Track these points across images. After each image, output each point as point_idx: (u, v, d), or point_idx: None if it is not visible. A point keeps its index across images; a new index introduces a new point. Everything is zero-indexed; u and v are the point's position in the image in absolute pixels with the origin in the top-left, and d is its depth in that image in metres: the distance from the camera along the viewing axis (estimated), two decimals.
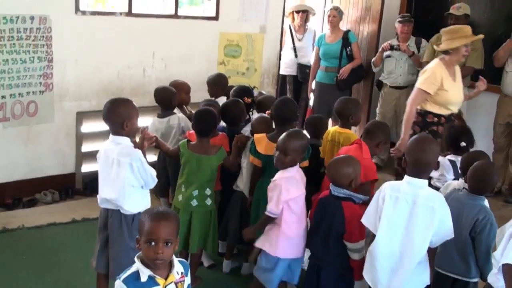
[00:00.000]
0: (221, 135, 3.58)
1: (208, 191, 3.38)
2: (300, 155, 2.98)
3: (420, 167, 2.61)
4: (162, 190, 4.28)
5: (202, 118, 3.40)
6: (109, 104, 2.87)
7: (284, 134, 3.01)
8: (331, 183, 2.88)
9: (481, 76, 4.54)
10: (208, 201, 3.39)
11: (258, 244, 3.04)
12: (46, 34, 4.46)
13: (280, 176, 2.95)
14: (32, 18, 4.35)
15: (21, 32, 4.32)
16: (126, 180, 2.77)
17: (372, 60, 6.02)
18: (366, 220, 2.72)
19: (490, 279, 2.42)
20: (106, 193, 2.85)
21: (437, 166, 2.73)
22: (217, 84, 4.45)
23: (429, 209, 2.54)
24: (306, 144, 3.08)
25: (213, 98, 4.35)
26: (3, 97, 4.34)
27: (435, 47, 4.50)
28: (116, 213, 2.87)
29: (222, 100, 4.33)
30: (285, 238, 2.91)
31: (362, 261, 2.79)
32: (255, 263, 3.18)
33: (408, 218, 2.58)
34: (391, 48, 5.80)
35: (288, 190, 2.87)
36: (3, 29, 4.21)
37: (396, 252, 2.61)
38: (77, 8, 4.58)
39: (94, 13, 4.75)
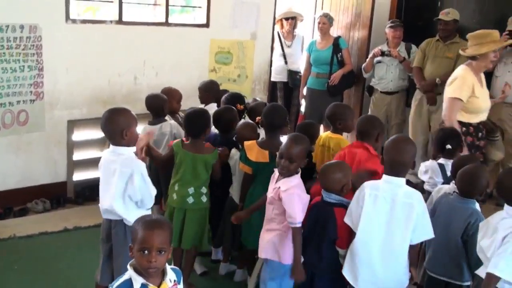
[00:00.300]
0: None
1: (203, 189, 3.41)
2: (304, 160, 2.94)
3: (395, 167, 2.65)
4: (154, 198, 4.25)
5: (193, 119, 3.43)
6: (107, 114, 2.82)
7: (287, 140, 2.95)
8: (322, 189, 2.88)
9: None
10: (204, 199, 3.42)
11: (264, 255, 2.96)
12: (37, 42, 4.45)
13: (288, 185, 2.83)
14: (22, 27, 4.34)
15: (11, 41, 4.31)
16: (123, 190, 2.74)
17: (363, 65, 6.05)
18: (348, 218, 2.75)
19: (482, 273, 2.44)
20: (107, 203, 2.82)
21: (413, 165, 2.74)
22: (208, 90, 4.46)
23: (407, 206, 2.58)
24: (308, 148, 3.07)
25: (203, 105, 4.35)
26: None
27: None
28: (119, 223, 2.83)
29: (212, 106, 4.33)
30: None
31: None
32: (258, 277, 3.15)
33: (388, 216, 2.62)
34: (382, 54, 5.83)
35: (301, 196, 2.84)
36: None
37: (377, 250, 2.64)
38: (67, 17, 4.57)
39: (84, 21, 4.75)
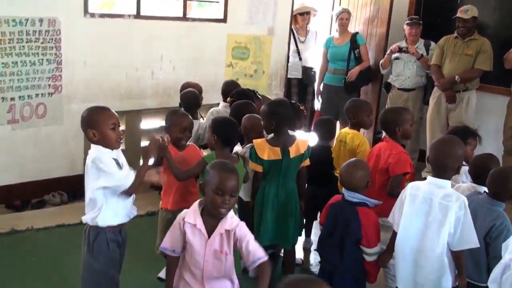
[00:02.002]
0: (191, 146, 3.35)
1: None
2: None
3: (440, 168, 2.64)
4: None
5: (229, 125, 3.21)
6: (84, 112, 2.71)
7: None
8: (344, 188, 2.85)
9: None
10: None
11: None
12: (55, 36, 4.48)
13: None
14: (41, 20, 4.37)
15: (30, 35, 4.34)
16: (89, 186, 2.61)
17: (381, 62, 6.01)
18: (391, 217, 2.78)
19: None
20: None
21: (458, 170, 2.71)
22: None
23: (444, 207, 2.56)
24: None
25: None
26: (12, 99, 4.36)
27: None
28: (87, 225, 2.71)
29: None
30: None
31: (375, 264, 2.83)
32: None
33: (424, 216, 2.62)
34: (400, 50, 5.78)
35: None
36: (12, 31, 4.23)
37: (414, 250, 2.66)
38: (86, 11, 4.59)
39: (102, 16, 4.77)
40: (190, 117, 3.34)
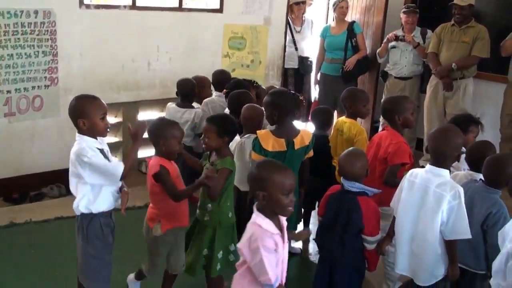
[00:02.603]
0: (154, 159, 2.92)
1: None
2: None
3: (438, 157, 2.65)
4: None
5: (231, 122, 3.09)
6: (72, 101, 2.69)
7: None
8: (342, 178, 2.85)
9: None
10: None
11: None
12: (51, 28, 4.45)
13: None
14: (36, 12, 4.34)
15: (26, 27, 4.31)
16: (74, 176, 2.61)
17: (377, 51, 6.00)
18: (393, 203, 2.83)
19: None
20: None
21: (458, 158, 2.71)
22: (223, 82, 4.40)
23: (438, 196, 2.59)
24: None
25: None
26: (8, 92, 4.34)
27: None
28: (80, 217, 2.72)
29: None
30: None
31: (376, 252, 2.86)
32: None
33: (420, 203, 2.66)
34: (396, 38, 5.77)
35: None
36: (7, 23, 4.21)
37: (409, 236, 2.71)
38: (81, 2, 4.57)
39: (98, 7, 4.74)
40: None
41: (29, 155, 4.60)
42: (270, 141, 3.18)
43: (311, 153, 3.32)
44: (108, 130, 2.68)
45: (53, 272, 3.46)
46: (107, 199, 2.70)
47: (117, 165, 2.63)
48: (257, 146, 3.20)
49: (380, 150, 3.27)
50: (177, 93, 4.37)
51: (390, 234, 2.87)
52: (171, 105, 4.35)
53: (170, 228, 2.90)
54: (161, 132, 2.86)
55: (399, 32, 5.84)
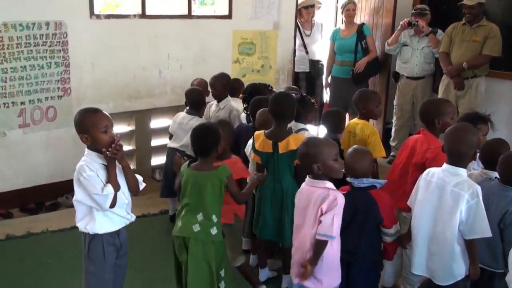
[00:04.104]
0: (233, 159, 3.16)
1: (214, 218, 2.82)
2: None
3: (454, 156, 2.63)
4: (168, 190, 4.29)
5: (199, 135, 2.89)
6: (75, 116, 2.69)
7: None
8: (350, 177, 2.85)
9: None
10: (214, 231, 2.81)
11: None
12: (62, 39, 4.50)
13: None
14: (47, 24, 4.39)
15: (38, 38, 4.37)
16: (76, 195, 2.57)
17: (388, 40, 5.96)
18: (410, 202, 2.82)
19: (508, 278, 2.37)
20: None
21: (474, 156, 2.70)
22: (226, 84, 4.41)
23: (455, 195, 2.56)
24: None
25: (215, 102, 4.42)
26: (22, 103, 4.40)
27: None
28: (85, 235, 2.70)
29: (228, 100, 4.35)
30: None
31: (395, 243, 2.86)
32: None
33: (437, 203, 2.64)
34: (409, 24, 5.71)
35: None
36: (19, 36, 4.26)
37: (427, 236, 2.68)
38: (91, 12, 4.62)
39: (108, 16, 4.79)
40: None
41: (44, 165, 4.64)
42: (259, 142, 3.23)
43: None
44: (118, 138, 2.56)
45: (70, 280, 3.48)
46: (106, 222, 2.62)
47: (104, 197, 2.49)
48: (253, 145, 3.29)
49: (415, 154, 3.18)
50: (186, 103, 4.39)
51: (410, 232, 2.86)
52: (180, 113, 4.36)
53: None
54: (215, 138, 2.87)
55: (411, 32, 5.79)
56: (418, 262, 2.76)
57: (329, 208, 2.54)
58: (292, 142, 3.14)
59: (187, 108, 4.35)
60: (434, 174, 2.70)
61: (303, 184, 2.73)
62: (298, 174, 3.21)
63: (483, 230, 2.55)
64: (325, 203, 2.55)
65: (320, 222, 2.53)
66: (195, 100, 4.29)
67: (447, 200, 2.60)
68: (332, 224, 2.52)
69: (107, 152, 2.50)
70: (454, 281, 2.66)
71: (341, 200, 2.56)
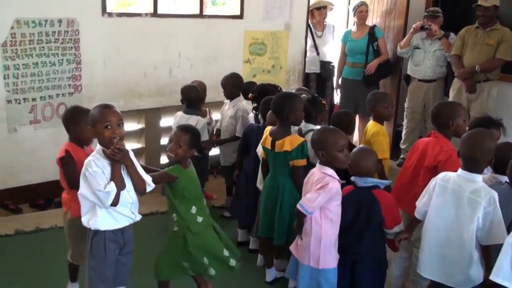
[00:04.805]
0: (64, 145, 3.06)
1: (174, 217, 3.01)
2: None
3: (470, 162, 2.61)
4: None
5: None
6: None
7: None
8: (354, 176, 2.85)
9: None
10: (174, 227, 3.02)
11: None
12: (74, 36, 4.53)
13: None
14: (60, 21, 4.42)
15: (50, 35, 4.39)
16: (80, 189, 2.58)
17: (400, 43, 5.93)
18: (418, 202, 2.81)
19: None
20: None
21: (490, 162, 2.67)
22: (236, 84, 4.47)
23: (472, 202, 2.54)
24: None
25: (228, 101, 4.47)
26: (33, 99, 4.43)
27: None
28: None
29: (240, 100, 4.36)
30: None
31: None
32: None
33: (454, 209, 2.61)
34: (422, 28, 5.69)
35: None
36: (32, 32, 4.30)
37: (443, 241, 2.65)
38: (103, 10, 4.64)
39: (120, 15, 4.81)
40: None
41: (54, 162, 4.60)
42: (264, 136, 3.34)
43: (299, 162, 3.17)
44: (116, 139, 2.53)
45: (80, 276, 3.49)
46: (109, 219, 2.62)
47: (106, 194, 2.50)
48: (262, 141, 3.38)
49: (426, 157, 3.14)
50: (182, 101, 4.37)
51: (409, 231, 2.86)
52: (179, 113, 4.35)
53: (77, 216, 2.78)
54: (73, 119, 2.95)
55: (423, 35, 5.77)
56: (430, 266, 2.73)
57: (319, 188, 2.69)
58: (287, 143, 3.16)
59: (184, 109, 4.33)
60: (449, 179, 2.66)
61: (314, 168, 2.87)
62: (295, 174, 3.23)
63: (501, 236, 2.51)
64: (319, 183, 2.70)
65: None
66: (190, 97, 4.26)
67: (464, 207, 2.57)
68: (314, 201, 2.67)
69: (108, 152, 2.52)
70: (472, 285, 2.63)
71: (332, 186, 2.68)
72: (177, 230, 3.00)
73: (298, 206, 2.74)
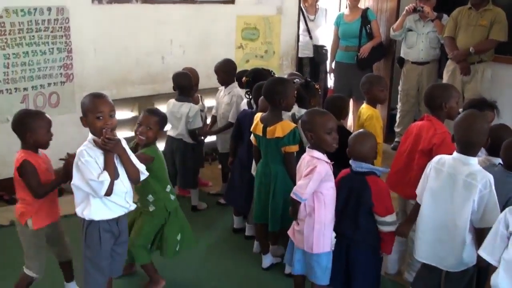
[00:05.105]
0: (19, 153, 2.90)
1: (150, 197, 3.13)
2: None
3: (465, 145, 2.59)
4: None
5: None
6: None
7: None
8: (352, 160, 2.85)
9: None
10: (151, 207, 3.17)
11: None
12: (64, 24, 4.48)
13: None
14: (49, 9, 4.37)
15: (40, 24, 4.34)
16: (73, 180, 2.56)
17: (393, 26, 5.90)
18: (418, 190, 2.79)
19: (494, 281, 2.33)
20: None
21: (486, 144, 2.67)
22: (228, 70, 4.43)
23: (468, 185, 2.54)
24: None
25: (223, 87, 4.44)
26: (25, 89, 4.39)
27: None
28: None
29: (234, 86, 4.33)
30: None
31: (391, 234, 2.84)
32: None
33: (449, 192, 2.61)
34: (415, 10, 5.66)
35: None
36: (21, 21, 4.24)
37: (438, 224, 2.65)
38: None
39: (110, 2, 4.75)
40: None
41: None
42: (255, 123, 3.33)
43: (291, 148, 3.18)
44: (105, 130, 2.52)
45: (77, 265, 3.49)
46: (103, 209, 2.61)
47: (100, 183, 2.49)
48: (252, 128, 3.37)
49: (420, 141, 3.14)
50: (174, 88, 4.31)
51: (412, 219, 2.84)
52: (171, 100, 4.31)
53: (43, 226, 2.88)
54: (26, 124, 2.81)
55: (416, 17, 5.74)
56: (423, 249, 2.74)
57: (308, 173, 2.70)
58: (279, 129, 3.16)
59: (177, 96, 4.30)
60: (445, 163, 2.65)
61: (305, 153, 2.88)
62: (287, 160, 3.23)
63: (495, 219, 2.51)
64: (308, 168, 2.72)
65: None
66: (181, 84, 4.21)
67: (459, 190, 2.57)
68: (306, 187, 2.68)
69: (99, 141, 2.51)
70: (464, 267, 2.65)
71: (320, 168, 2.70)
72: (153, 210, 3.12)
73: (292, 194, 2.75)
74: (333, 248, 2.84)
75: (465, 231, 2.58)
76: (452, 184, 2.60)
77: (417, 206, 2.81)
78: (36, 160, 2.82)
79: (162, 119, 3.14)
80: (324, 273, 2.85)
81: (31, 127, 2.79)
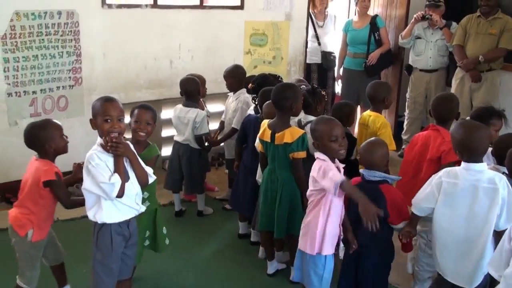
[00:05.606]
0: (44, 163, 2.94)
1: (145, 194, 3.04)
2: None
3: (471, 154, 2.59)
4: (172, 183, 4.34)
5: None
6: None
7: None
8: (363, 169, 2.83)
9: None
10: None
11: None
12: (74, 28, 4.51)
13: None
14: (59, 13, 4.40)
15: (50, 28, 4.37)
16: (84, 184, 2.58)
17: (401, 33, 5.90)
18: (417, 199, 2.76)
19: None
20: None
21: (497, 152, 2.67)
22: (236, 75, 4.42)
23: (491, 191, 2.53)
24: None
25: (232, 93, 4.43)
26: (34, 92, 4.42)
27: None
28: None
29: (243, 92, 4.33)
30: None
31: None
32: None
33: (470, 203, 2.58)
34: (423, 18, 5.65)
35: None
36: (32, 25, 4.27)
37: (460, 239, 2.61)
38: (103, 2, 4.61)
39: (120, 6, 4.79)
40: None
41: None
42: (262, 130, 3.30)
43: (299, 154, 3.15)
44: (113, 134, 2.54)
45: (81, 269, 3.51)
46: (115, 212, 2.62)
47: (111, 185, 2.50)
48: (260, 134, 3.35)
49: (428, 150, 3.13)
50: (181, 93, 4.31)
51: (413, 224, 2.81)
52: (178, 106, 4.31)
53: (44, 238, 2.94)
54: (40, 137, 2.88)
55: (425, 25, 5.73)
56: (447, 266, 2.70)
57: (318, 175, 2.69)
58: (288, 135, 3.14)
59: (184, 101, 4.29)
60: (457, 175, 2.62)
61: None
62: (295, 167, 3.21)
63: None
64: (314, 172, 2.73)
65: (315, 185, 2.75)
66: (187, 90, 4.20)
67: (481, 199, 2.55)
68: (332, 177, 2.62)
69: (107, 146, 2.52)
70: (483, 275, 2.62)
71: (327, 163, 2.69)
72: (147, 206, 3.04)
73: (331, 191, 2.65)
74: (341, 258, 2.82)
75: (488, 240, 2.55)
76: (471, 195, 2.57)
77: (415, 217, 2.78)
78: (58, 171, 2.89)
79: (155, 113, 3.18)
80: (321, 283, 2.79)
81: (46, 138, 2.87)
